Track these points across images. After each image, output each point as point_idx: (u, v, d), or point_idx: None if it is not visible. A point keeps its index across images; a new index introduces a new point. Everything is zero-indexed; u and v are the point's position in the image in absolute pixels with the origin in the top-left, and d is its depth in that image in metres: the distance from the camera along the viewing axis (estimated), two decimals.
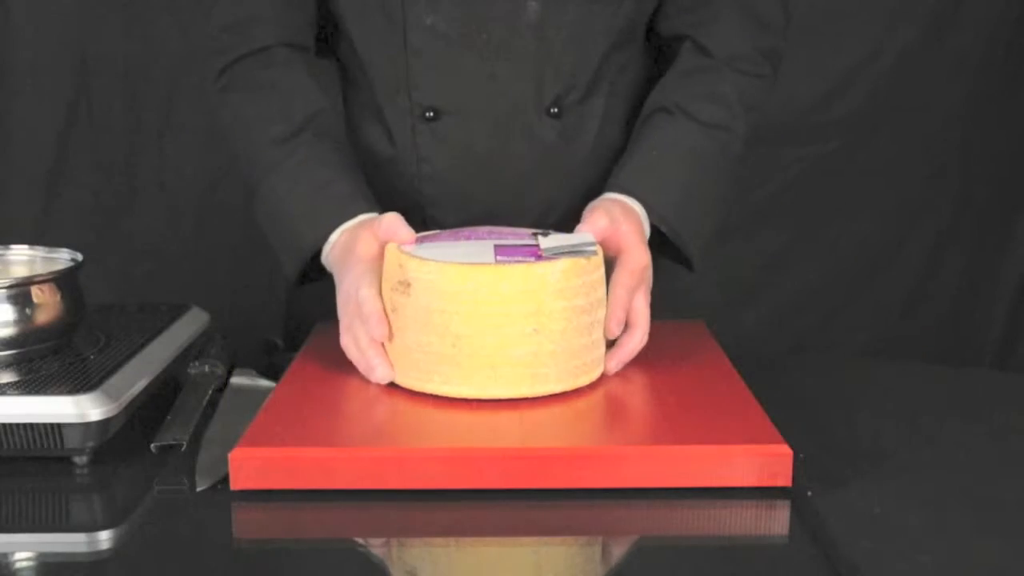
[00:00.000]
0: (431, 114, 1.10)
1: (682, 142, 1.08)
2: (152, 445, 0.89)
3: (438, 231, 1.01)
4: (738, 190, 1.16)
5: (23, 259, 1.03)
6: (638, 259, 0.97)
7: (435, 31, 1.07)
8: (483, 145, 1.11)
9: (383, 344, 0.94)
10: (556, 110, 1.10)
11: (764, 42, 1.12)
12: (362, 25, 1.11)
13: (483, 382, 0.90)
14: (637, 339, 0.96)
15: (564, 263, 0.90)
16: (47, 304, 0.95)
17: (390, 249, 0.94)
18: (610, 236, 0.98)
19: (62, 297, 0.96)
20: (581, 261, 0.91)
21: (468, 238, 0.98)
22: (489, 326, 0.89)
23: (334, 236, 1.03)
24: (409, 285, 0.91)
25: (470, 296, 0.89)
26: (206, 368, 1.03)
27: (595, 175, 1.12)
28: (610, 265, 0.97)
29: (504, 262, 0.90)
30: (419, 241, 0.96)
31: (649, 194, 1.05)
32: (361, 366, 0.95)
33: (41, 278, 0.95)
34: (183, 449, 0.89)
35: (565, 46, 1.09)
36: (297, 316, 1.24)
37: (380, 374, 0.93)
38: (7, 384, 0.89)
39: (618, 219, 0.99)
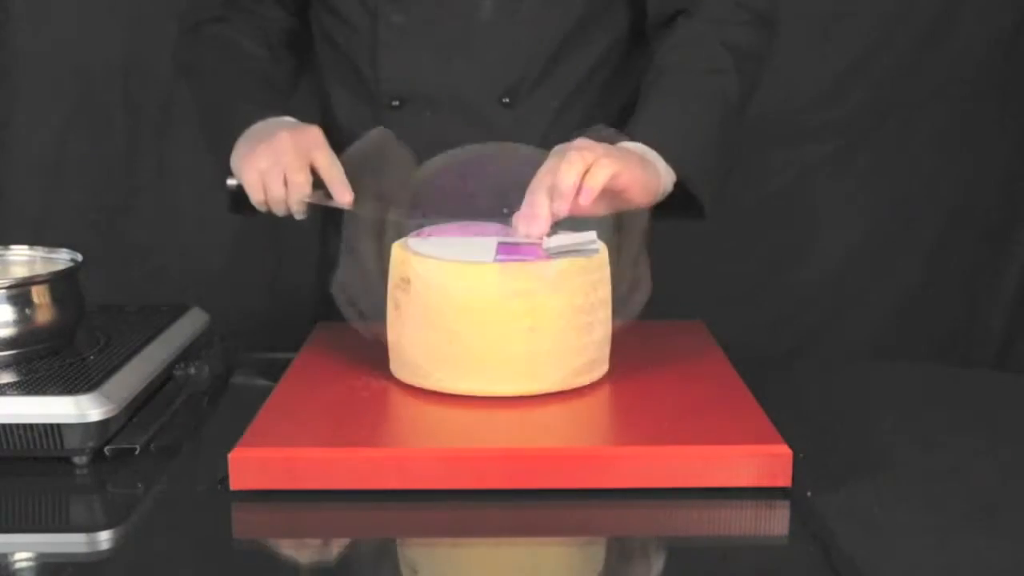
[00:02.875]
0: (396, 103, 1.18)
1: (682, 90, 1.11)
2: (106, 448, 0.88)
3: (447, 224, 1.01)
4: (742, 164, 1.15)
5: (23, 259, 1.03)
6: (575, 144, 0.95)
7: (401, 26, 1.17)
8: (442, 132, 1.14)
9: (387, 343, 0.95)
10: (508, 100, 1.17)
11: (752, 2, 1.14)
12: (338, 25, 1.20)
13: (481, 379, 0.91)
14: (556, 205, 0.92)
15: (562, 262, 0.91)
16: (47, 304, 0.95)
17: (395, 246, 0.95)
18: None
19: (62, 297, 0.96)
20: (581, 260, 0.92)
21: (476, 234, 0.98)
22: (485, 322, 0.89)
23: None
24: (409, 282, 0.91)
25: (466, 293, 0.89)
26: (191, 370, 1.02)
27: None
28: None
29: (503, 260, 0.91)
30: (427, 235, 0.97)
31: (662, 138, 1.04)
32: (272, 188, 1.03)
33: (41, 278, 0.95)
34: (136, 454, 0.88)
35: (517, 40, 1.17)
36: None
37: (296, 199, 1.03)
38: (7, 384, 0.89)
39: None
